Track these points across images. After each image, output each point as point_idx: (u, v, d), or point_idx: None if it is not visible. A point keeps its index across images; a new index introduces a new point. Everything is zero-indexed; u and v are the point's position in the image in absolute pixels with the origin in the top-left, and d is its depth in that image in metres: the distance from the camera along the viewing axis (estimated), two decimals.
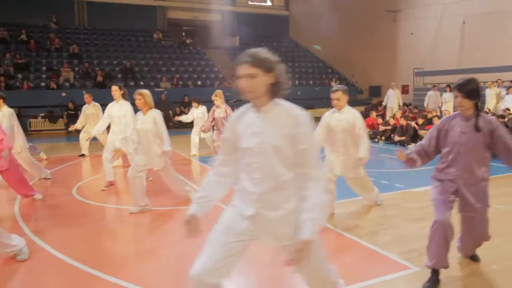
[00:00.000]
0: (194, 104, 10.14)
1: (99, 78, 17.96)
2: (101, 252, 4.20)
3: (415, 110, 14.78)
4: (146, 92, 5.39)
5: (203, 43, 25.20)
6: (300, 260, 1.98)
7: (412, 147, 10.06)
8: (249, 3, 26.62)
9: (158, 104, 11.57)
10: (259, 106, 2.18)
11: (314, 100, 20.10)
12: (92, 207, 5.80)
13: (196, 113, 9.94)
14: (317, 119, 16.79)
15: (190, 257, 2.37)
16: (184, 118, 10.37)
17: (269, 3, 27.18)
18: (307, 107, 19.62)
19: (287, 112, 2.16)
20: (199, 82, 20.18)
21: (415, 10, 18.59)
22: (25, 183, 5.89)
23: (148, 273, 3.61)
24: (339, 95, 4.78)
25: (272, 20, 26.24)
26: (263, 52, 2.14)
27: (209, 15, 25.80)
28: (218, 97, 7.92)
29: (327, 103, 18.22)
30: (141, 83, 18.77)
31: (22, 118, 14.87)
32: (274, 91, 2.16)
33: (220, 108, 7.87)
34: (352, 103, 20.20)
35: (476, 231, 3.38)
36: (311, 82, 21.69)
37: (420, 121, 10.91)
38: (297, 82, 21.46)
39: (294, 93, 20.18)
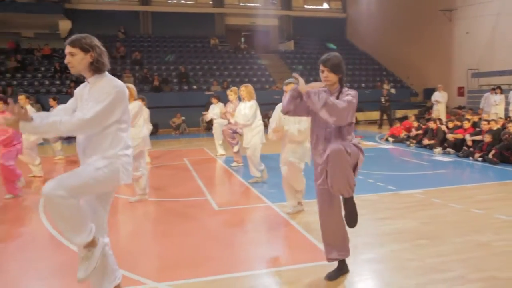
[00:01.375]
0: (214, 100, 10.63)
1: (156, 83, 19.34)
2: None
3: (468, 116, 14.11)
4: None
5: (259, 48, 25.94)
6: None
7: (439, 151, 9.92)
8: (306, 7, 26.86)
9: (208, 106, 12.19)
10: (87, 78, 2.81)
11: (364, 103, 19.84)
12: None
13: (216, 110, 10.38)
14: (370, 122, 16.83)
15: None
16: (206, 118, 10.92)
17: (326, 6, 27.21)
18: (357, 109, 19.49)
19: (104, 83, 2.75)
20: None
21: (471, 8, 17.70)
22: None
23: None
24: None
25: (328, 23, 26.27)
26: (85, 36, 2.76)
27: (266, 20, 26.48)
28: (232, 93, 8.65)
29: (376, 106, 18.06)
30: (194, 87, 19.92)
31: None
32: (94, 68, 2.75)
33: (233, 104, 8.58)
34: (406, 106, 19.69)
35: None
36: (363, 85, 21.42)
37: (451, 124, 10.57)
38: (348, 85, 21.27)
39: None
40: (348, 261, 3.64)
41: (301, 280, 3.48)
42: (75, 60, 2.72)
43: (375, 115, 18.63)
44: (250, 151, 7.22)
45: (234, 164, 9.08)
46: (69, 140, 11.86)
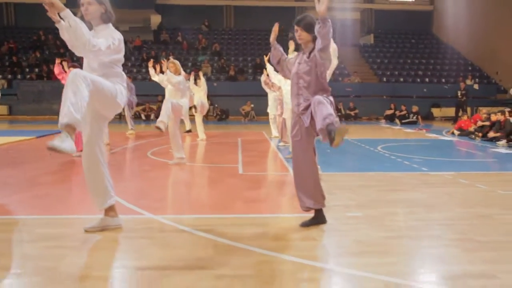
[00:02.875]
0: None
1: (231, 72, 20.23)
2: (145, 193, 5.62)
3: None
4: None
5: (338, 41, 25.72)
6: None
7: (503, 143, 9.24)
8: None
9: None
10: (95, 26, 3.37)
11: (441, 98, 18.87)
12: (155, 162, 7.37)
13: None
14: (447, 119, 16.12)
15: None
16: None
17: None
18: (433, 105, 18.61)
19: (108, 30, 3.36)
20: None
21: None
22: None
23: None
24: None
25: (413, 16, 25.14)
26: None
27: (347, 13, 26.11)
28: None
29: (454, 102, 17.08)
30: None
31: None
32: (104, 17, 3.34)
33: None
34: (492, 103, 18.29)
35: None
36: (443, 80, 20.29)
37: None
38: (427, 79, 20.35)
39: (419, 90, 19.33)
40: (330, 215, 3.82)
41: (278, 225, 3.75)
42: (92, 8, 3.31)
43: (452, 111, 17.60)
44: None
45: (281, 144, 9.38)
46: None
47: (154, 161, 7.26)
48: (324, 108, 3.34)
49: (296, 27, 3.55)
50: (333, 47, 4.99)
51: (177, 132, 6.83)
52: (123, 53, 3.44)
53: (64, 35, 3.14)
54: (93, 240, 3.32)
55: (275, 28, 3.85)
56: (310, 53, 3.53)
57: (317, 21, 3.31)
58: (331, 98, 3.57)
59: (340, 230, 3.62)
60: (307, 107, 3.55)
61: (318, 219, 3.73)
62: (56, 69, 7.89)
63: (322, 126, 3.30)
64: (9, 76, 19.54)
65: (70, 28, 2.98)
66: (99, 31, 3.36)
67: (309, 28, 3.50)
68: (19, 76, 19.80)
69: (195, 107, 10.41)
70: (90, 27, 3.38)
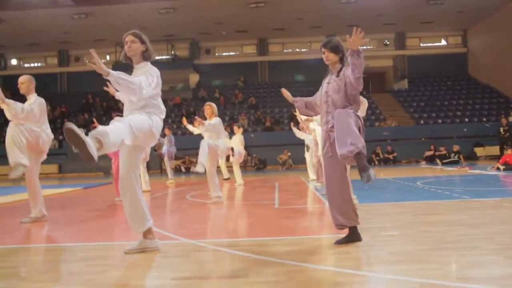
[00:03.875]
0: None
1: (267, 123, 20.68)
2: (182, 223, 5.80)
3: None
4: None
5: (373, 88, 26.09)
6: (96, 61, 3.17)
7: None
8: (421, 45, 26.24)
9: None
10: (135, 64, 3.68)
11: (483, 137, 18.34)
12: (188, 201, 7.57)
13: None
14: (492, 158, 15.69)
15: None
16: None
17: (444, 42, 26.22)
18: (475, 144, 18.09)
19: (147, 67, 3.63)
20: None
21: None
22: None
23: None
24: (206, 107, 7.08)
25: (447, 59, 25.14)
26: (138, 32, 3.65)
27: (380, 61, 26.53)
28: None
29: (497, 140, 16.58)
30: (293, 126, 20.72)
31: None
32: (145, 55, 3.65)
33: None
34: None
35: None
36: (484, 118, 19.82)
37: None
38: (466, 119, 19.95)
39: (459, 130, 18.92)
40: (365, 234, 3.79)
41: (312, 244, 3.76)
42: (134, 46, 3.63)
43: (496, 150, 16.99)
44: None
45: (318, 184, 9.37)
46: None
47: (193, 201, 7.45)
48: (349, 128, 3.37)
49: (323, 49, 3.76)
50: (361, 99, 5.16)
51: (214, 172, 7.03)
52: (160, 87, 3.67)
53: (115, 85, 3.36)
54: (131, 259, 3.45)
55: (284, 93, 4.24)
56: (339, 72, 3.70)
57: (351, 52, 3.43)
58: (359, 114, 3.67)
59: (375, 245, 3.58)
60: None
61: (353, 236, 3.70)
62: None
63: (348, 154, 3.33)
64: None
65: (120, 85, 3.29)
66: (139, 68, 3.66)
67: (335, 49, 3.72)
68: None
69: (232, 154, 10.67)
70: (130, 64, 3.74)
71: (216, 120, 7.21)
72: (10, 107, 4.93)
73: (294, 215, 5.47)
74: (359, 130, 3.58)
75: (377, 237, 3.86)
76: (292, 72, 25.83)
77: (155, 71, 3.61)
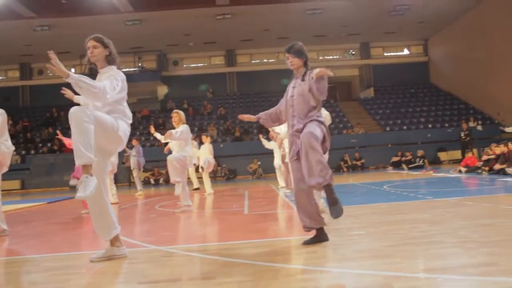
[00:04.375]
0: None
1: (237, 134, 20.72)
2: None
3: None
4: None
5: (340, 97, 26.66)
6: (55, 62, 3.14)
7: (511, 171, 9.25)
8: (385, 54, 27.04)
9: None
10: (100, 69, 3.61)
11: (446, 142, 19.02)
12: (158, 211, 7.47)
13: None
14: (454, 162, 16.02)
15: None
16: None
17: (406, 51, 27.11)
18: (439, 149, 18.70)
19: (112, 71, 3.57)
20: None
21: None
22: None
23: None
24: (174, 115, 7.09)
25: (410, 68, 25.97)
26: (102, 36, 3.59)
27: (346, 70, 27.15)
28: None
29: (459, 145, 17.20)
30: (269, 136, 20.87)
31: None
32: (109, 59, 3.59)
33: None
34: (498, 143, 18.17)
35: None
36: (446, 124, 20.55)
37: None
38: (430, 125, 20.62)
39: (423, 136, 19.51)
40: (332, 234, 3.84)
41: (280, 245, 3.79)
42: (97, 51, 3.55)
43: (458, 154, 17.62)
44: None
45: (288, 191, 9.44)
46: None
47: (162, 211, 7.36)
48: (317, 158, 3.39)
49: (287, 55, 3.79)
50: (325, 113, 5.28)
51: (184, 181, 6.99)
52: (125, 91, 3.59)
53: (76, 89, 3.26)
54: (97, 267, 3.38)
55: (243, 117, 4.16)
56: (303, 76, 3.74)
57: (317, 79, 3.51)
58: (324, 127, 3.69)
59: (342, 244, 3.64)
60: (301, 130, 3.67)
61: (320, 237, 3.74)
62: (66, 141, 8.19)
63: (317, 185, 3.42)
64: (23, 152, 20.18)
65: (81, 89, 3.20)
66: (103, 72, 3.59)
67: (299, 53, 3.76)
68: (32, 152, 20.45)
69: (202, 168, 10.66)
70: (95, 70, 3.69)
71: (184, 127, 7.19)
72: None
73: (263, 220, 5.50)
74: (324, 138, 3.65)
75: (344, 237, 3.93)
76: (261, 83, 26.03)
77: (120, 75, 3.54)
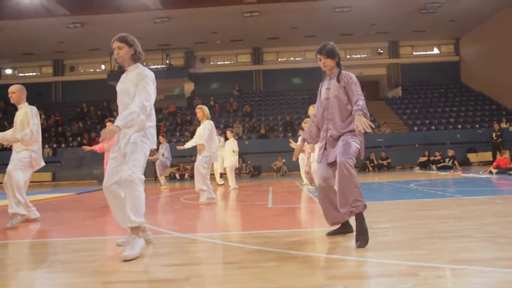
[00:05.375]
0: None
1: (262, 131, 20.74)
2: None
3: None
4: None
5: (367, 96, 26.25)
6: (104, 135, 3.20)
7: None
8: (414, 53, 26.53)
9: None
10: (127, 67, 3.60)
11: (477, 143, 18.50)
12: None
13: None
14: (485, 164, 15.57)
15: None
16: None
17: (436, 51, 26.52)
18: (468, 150, 18.22)
19: (139, 69, 3.53)
20: None
21: None
22: None
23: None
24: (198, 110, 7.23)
25: (440, 67, 25.43)
26: (127, 35, 3.57)
27: (374, 69, 26.81)
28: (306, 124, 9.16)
29: (490, 146, 16.72)
30: (298, 134, 20.78)
31: None
32: (134, 57, 3.55)
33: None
34: None
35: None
36: (477, 125, 19.99)
37: None
38: (459, 126, 20.10)
39: (452, 136, 19.06)
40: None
41: (304, 236, 3.77)
42: (122, 52, 3.55)
43: (489, 155, 17.12)
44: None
45: (312, 187, 9.41)
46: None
47: (187, 203, 7.45)
48: (351, 187, 3.28)
49: (319, 56, 3.63)
50: None
51: (208, 172, 7.06)
52: (155, 92, 3.58)
53: (128, 130, 3.41)
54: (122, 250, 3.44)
55: (296, 154, 4.02)
56: (338, 77, 3.61)
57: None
58: (360, 138, 3.53)
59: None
60: (337, 137, 3.56)
61: (345, 229, 3.71)
62: (96, 147, 8.49)
63: (349, 213, 3.33)
64: (54, 145, 20.78)
65: (132, 126, 3.35)
66: (130, 70, 3.58)
67: (331, 54, 3.60)
68: (63, 145, 21.04)
69: (225, 168, 10.84)
70: (123, 68, 3.70)
71: (208, 124, 7.26)
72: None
73: (287, 213, 5.50)
74: (360, 146, 3.51)
75: (369, 229, 3.87)
76: (287, 81, 26.01)
77: (150, 76, 3.50)
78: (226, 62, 27.29)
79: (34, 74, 27.65)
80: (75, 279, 2.60)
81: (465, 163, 17.65)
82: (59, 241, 4.13)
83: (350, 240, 3.44)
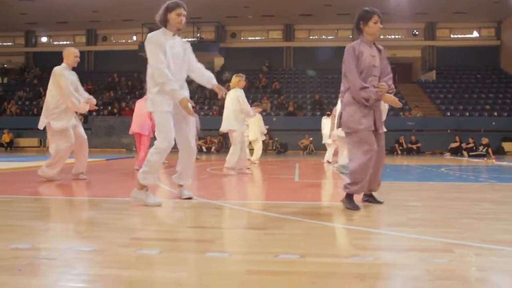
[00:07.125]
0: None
1: (290, 108, 20.56)
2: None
3: None
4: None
5: (400, 78, 25.53)
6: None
7: None
8: (452, 36, 25.52)
9: None
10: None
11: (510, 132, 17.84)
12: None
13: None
14: None
15: None
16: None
17: (476, 34, 25.42)
18: (504, 139, 17.59)
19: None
20: None
21: None
22: None
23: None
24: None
25: (478, 52, 24.38)
26: None
27: (408, 51, 25.97)
28: None
29: None
30: (328, 112, 20.49)
31: None
32: None
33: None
34: None
35: None
36: None
37: None
38: (495, 113, 19.38)
39: (487, 124, 18.42)
40: (386, 203, 3.73)
41: (330, 209, 3.71)
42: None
43: None
44: None
45: (336, 165, 9.28)
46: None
47: (213, 173, 7.48)
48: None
49: (379, 19, 3.52)
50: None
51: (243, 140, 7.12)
52: None
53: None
54: (149, 210, 3.46)
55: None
56: (377, 46, 3.62)
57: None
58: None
59: (396, 212, 3.50)
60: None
61: (369, 199, 3.68)
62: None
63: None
64: (86, 113, 21.20)
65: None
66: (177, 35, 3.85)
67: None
68: (94, 113, 21.44)
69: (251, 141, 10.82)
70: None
71: (240, 92, 7.31)
72: None
73: (313, 186, 5.43)
74: None
75: (399, 207, 3.77)
76: (318, 59, 25.52)
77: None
78: (257, 38, 26.98)
79: (68, 42, 28.07)
80: (104, 233, 2.63)
81: (499, 152, 17.05)
82: (90, 200, 4.21)
83: (380, 215, 3.35)
